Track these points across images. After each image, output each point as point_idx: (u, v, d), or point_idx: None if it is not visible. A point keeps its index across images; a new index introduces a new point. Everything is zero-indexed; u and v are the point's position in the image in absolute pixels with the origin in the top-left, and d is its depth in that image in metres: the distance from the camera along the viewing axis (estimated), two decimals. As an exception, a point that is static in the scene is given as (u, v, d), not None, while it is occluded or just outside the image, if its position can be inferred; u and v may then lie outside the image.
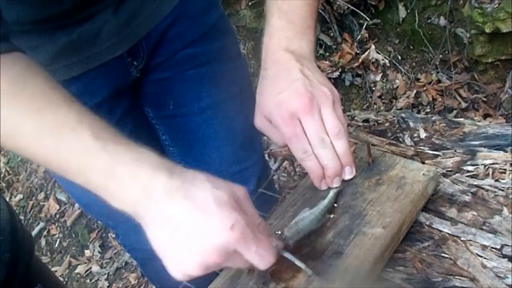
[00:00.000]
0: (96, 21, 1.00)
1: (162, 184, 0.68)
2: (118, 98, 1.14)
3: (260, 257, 0.70)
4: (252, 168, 1.35)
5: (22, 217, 3.04)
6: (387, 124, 1.14)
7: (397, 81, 2.77)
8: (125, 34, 1.06)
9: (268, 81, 0.89)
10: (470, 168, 0.96)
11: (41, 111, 0.70)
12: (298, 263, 0.78)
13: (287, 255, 0.78)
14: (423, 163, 0.98)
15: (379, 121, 1.16)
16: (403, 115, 1.15)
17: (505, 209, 0.87)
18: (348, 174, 0.89)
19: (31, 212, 3.08)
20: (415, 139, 1.07)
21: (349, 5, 2.68)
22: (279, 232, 0.87)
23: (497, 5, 2.26)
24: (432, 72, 2.70)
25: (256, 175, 1.33)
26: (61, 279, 2.67)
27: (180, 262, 0.69)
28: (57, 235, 2.94)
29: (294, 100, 0.83)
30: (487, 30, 2.31)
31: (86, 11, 0.98)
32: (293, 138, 0.84)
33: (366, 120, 1.18)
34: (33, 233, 2.92)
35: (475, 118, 2.47)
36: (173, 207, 0.67)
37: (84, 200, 1.37)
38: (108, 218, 1.43)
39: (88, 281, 2.68)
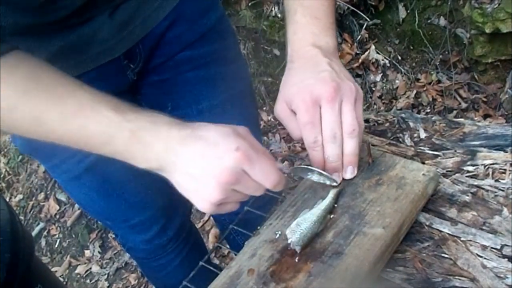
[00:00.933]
0: (92, 25, 1.00)
1: (177, 135, 0.78)
2: None
3: (264, 173, 0.78)
4: None
5: (22, 218, 3.04)
6: (387, 124, 1.14)
7: (397, 81, 2.77)
8: (122, 37, 1.05)
9: (294, 71, 0.90)
10: (470, 168, 0.96)
11: (62, 97, 0.78)
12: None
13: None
14: (423, 163, 0.98)
15: (379, 121, 1.16)
16: (403, 115, 1.15)
17: (505, 209, 0.87)
18: (349, 174, 0.90)
19: (31, 212, 3.09)
20: (415, 139, 1.07)
21: (349, 6, 2.68)
22: (279, 232, 0.87)
23: (497, 5, 2.26)
24: (432, 72, 2.70)
25: None
26: (61, 279, 2.67)
27: (201, 192, 0.78)
28: (57, 236, 2.95)
29: (319, 86, 0.84)
30: (487, 31, 2.31)
31: (83, 16, 0.98)
32: (308, 125, 0.85)
33: (366, 120, 1.18)
34: (33, 233, 2.92)
35: (475, 119, 2.47)
36: (188, 149, 0.77)
37: (83, 200, 1.37)
38: (106, 218, 1.44)
39: (88, 281, 2.68)
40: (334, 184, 0.88)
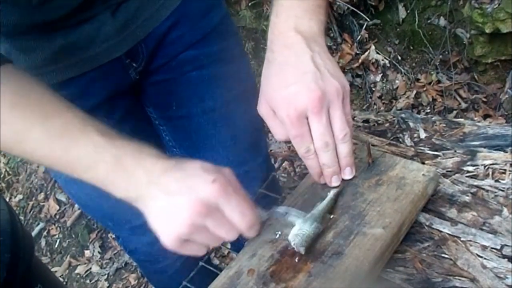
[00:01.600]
0: (94, 23, 1.00)
1: (161, 166, 0.77)
2: (117, 99, 1.14)
3: (240, 211, 0.77)
4: (257, 169, 1.34)
5: (22, 218, 3.04)
6: (387, 124, 1.14)
7: (397, 81, 2.77)
8: (124, 36, 1.05)
9: (276, 67, 0.86)
10: (470, 168, 0.96)
11: (48, 116, 0.76)
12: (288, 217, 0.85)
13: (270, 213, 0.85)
14: (423, 163, 0.98)
15: (379, 122, 1.16)
16: (403, 115, 1.15)
17: (505, 210, 0.87)
18: (348, 175, 0.90)
19: (31, 212, 3.09)
20: (415, 140, 1.07)
21: (349, 6, 2.67)
22: (279, 233, 0.87)
23: (497, 6, 2.26)
24: (432, 72, 2.70)
25: (261, 176, 1.33)
26: (61, 279, 2.67)
27: (170, 224, 0.76)
28: (57, 236, 2.95)
29: (303, 97, 0.80)
30: (487, 31, 2.31)
31: (84, 14, 0.98)
32: (297, 138, 0.84)
33: (366, 121, 1.18)
34: (33, 233, 2.92)
35: (475, 119, 2.47)
36: (167, 179, 0.76)
37: (83, 201, 1.37)
38: (108, 219, 1.43)
39: (88, 281, 2.68)
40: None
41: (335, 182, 0.89)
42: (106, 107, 1.11)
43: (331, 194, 0.88)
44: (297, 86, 0.81)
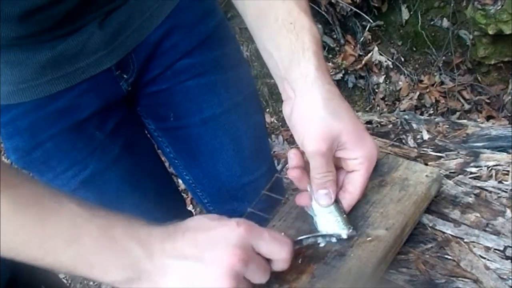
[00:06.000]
0: (82, 35, 0.97)
1: (159, 233, 0.68)
2: (109, 111, 1.11)
3: (278, 244, 0.71)
4: (263, 178, 1.29)
5: (25, 219, 3.03)
6: (390, 125, 1.14)
7: (400, 82, 2.78)
8: (113, 47, 1.02)
9: (342, 108, 0.83)
10: (473, 169, 0.96)
11: (9, 186, 0.65)
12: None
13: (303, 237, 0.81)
14: (426, 164, 0.97)
15: (382, 123, 1.16)
16: (406, 116, 1.15)
17: (508, 211, 0.87)
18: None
19: (35, 214, 3.09)
20: (418, 141, 1.07)
21: (352, 7, 2.68)
22: (282, 234, 0.87)
23: (500, 7, 2.26)
24: (435, 73, 2.70)
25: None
26: (65, 281, 2.67)
27: (216, 279, 0.66)
28: (60, 237, 2.94)
29: (375, 145, 0.85)
30: (490, 32, 2.31)
31: (71, 26, 0.95)
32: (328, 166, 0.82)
33: (369, 122, 1.18)
34: (37, 235, 2.92)
35: (478, 120, 2.46)
36: (178, 243, 0.67)
37: None
38: None
39: (91, 283, 2.68)
40: (344, 236, 0.82)
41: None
42: (98, 119, 1.09)
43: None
44: (370, 138, 0.84)
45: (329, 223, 0.83)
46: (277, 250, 0.72)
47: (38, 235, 0.64)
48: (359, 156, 0.82)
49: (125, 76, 1.09)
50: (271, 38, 0.87)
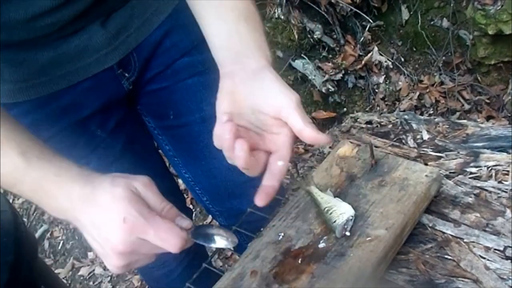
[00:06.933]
0: (84, 35, 0.98)
1: (78, 194, 0.76)
2: (110, 109, 1.12)
3: (162, 240, 0.75)
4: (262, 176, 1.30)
5: (25, 219, 3.04)
6: (390, 126, 1.14)
7: (400, 83, 2.77)
8: (114, 46, 1.04)
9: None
10: (473, 169, 0.96)
11: None
12: (213, 244, 0.80)
13: (200, 241, 0.80)
14: (426, 164, 0.98)
15: (382, 123, 1.16)
16: (406, 117, 1.15)
17: (508, 211, 0.87)
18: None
19: (35, 214, 3.09)
20: (418, 141, 1.07)
21: (352, 7, 2.68)
22: (282, 234, 0.87)
23: (500, 7, 2.26)
24: (435, 74, 2.69)
25: None
26: (65, 281, 2.67)
27: (106, 258, 0.77)
28: (60, 237, 2.95)
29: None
30: (490, 32, 2.31)
31: (74, 26, 0.96)
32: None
33: (369, 122, 1.18)
34: (37, 235, 2.93)
35: (478, 120, 2.46)
36: (86, 214, 0.76)
37: None
38: None
39: (91, 283, 2.68)
40: (231, 246, 0.80)
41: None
42: (99, 117, 1.10)
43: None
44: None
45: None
46: (163, 245, 0.76)
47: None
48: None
49: (126, 74, 1.10)
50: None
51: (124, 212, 0.74)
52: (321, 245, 0.83)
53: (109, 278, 2.65)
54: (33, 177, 0.77)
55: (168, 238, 0.75)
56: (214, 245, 0.79)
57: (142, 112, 1.24)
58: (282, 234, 0.87)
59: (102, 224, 0.75)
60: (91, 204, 0.76)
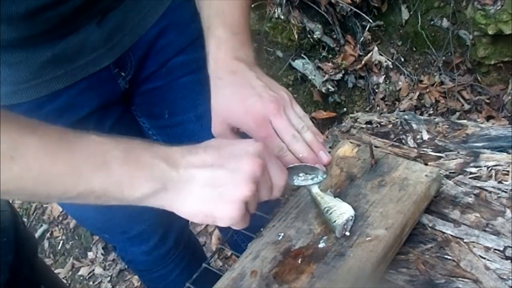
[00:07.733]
0: (80, 34, 0.99)
1: (180, 150, 0.74)
2: (107, 109, 1.13)
3: (281, 170, 0.80)
4: None
5: (25, 219, 3.04)
6: (390, 126, 1.14)
7: (400, 83, 2.77)
8: (111, 45, 1.05)
9: (228, 89, 0.90)
10: (473, 169, 0.96)
11: (39, 129, 0.69)
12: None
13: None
14: (426, 164, 0.97)
15: (382, 123, 1.16)
16: (406, 117, 1.15)
17: (508, 211, 0.87)
18: (325, 158, 0.91)
19: (34, 214, 3.09)
20: (418, 141, 1.07)
21: (352, 7, 2.67)
22: (282, 234, 0.87)
23: (500, 7, 2.26)
24: (435, 74, 2.69)
25: None
26: (64, 281, 2.67)
27: (229, 194, 0.72)
28: (60, 237, 2.95)
29: (262, 104, 0.87)
30: (490, 32, 2.31)
31: (70, 26, 0.97)
32: (268, 138, 0.86)
33: (369, 122, 1.18)
34: (36, 235, 2.93)
35: (478, 120, 2.46)
36: (198, 156, 0.73)
37: (78, 215, 1.36)
38: (104, 231, 1.43)
39: (91, 283, 2.68)
40: (322, 173, 0.91)
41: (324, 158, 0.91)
42: (97, 117, 1.11)
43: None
44: (254, 98, 0.87)
45: None
46: (279, 175, 0.79)
47: (69, 165, 0.69)
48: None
49: (123, 73, 1.11)
50: None
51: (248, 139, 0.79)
52: (321, 245, 0.83)
53: (109, 278, 2.65)
54: (122, 149, 0.71)
55: (284, 170, 0.81)
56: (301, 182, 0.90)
57: (137, 113, 1.25)
58: (282, 234, 0.87)
59: (233, 150, 0.75)
60: (203, 147, 0.75)
